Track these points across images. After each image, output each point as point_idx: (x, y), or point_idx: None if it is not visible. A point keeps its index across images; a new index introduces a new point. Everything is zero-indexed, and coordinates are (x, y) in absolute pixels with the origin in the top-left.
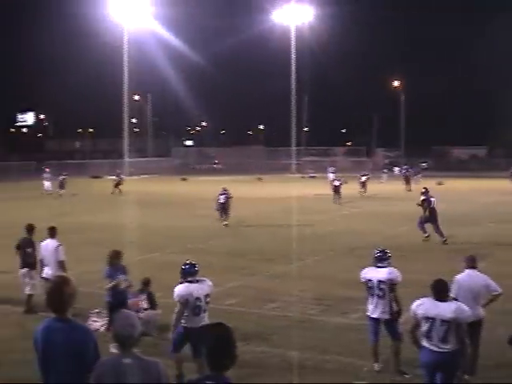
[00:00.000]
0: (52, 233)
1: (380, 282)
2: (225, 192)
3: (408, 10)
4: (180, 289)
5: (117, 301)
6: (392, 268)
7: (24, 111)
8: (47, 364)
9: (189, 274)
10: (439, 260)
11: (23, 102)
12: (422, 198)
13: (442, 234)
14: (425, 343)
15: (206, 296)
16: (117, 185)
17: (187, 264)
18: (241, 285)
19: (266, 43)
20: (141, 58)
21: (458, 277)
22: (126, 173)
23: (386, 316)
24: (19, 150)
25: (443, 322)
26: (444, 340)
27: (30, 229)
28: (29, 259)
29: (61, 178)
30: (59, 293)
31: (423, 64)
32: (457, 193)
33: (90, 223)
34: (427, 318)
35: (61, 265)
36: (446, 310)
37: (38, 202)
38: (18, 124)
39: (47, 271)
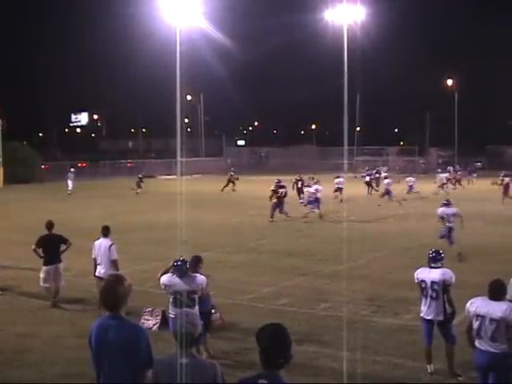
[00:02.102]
0: (105, 232)
1: (433, 282)
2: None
3: (463, 6)
4: (164, 277)
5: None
6: (446, 269)
7: (78, 111)
8: (100, 361)
9: (179, 270)
10: (494, 261)
11: (77, 102)
12: None
13: None
14: (477, 344)
15: (190, 292)
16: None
17: (179, 261)
18: (293, 285)
19: (317, 42)
20: (193, 58)
21: None
22: (178, 172)
23: (440, 318)
24: (73, 150)
25: (492, 320)
26: (493, 339)
27: (50, 226)
28: (55, 254)
29: (139, 176)
30: (113, 291)
31: (477, 62)
32: None
33: (143, 222)
34: (478, 316)
35: (114, 264)
36: (497, 308)
37: (90, 202)
38: (72, 124)
39: (100, 270)
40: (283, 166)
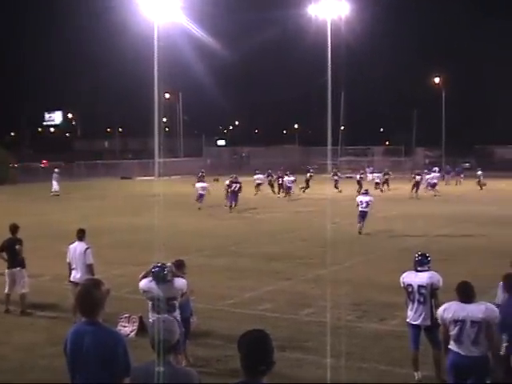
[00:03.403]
0: (80, 235)
1: (420, 286)
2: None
3: (451, 2)
4: (142, 282)
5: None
6: (433, 272)
7: (52, 110)
8: (75, 368)
9: (156, 276)
10: (483, 263)
11: (51, 100)
12: None
13: None
14: (454, 348)
15: (170, 299)
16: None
17: (157, 266)
18: (275, 289)
19: (301, 38)
20: (171, 55)
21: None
22: (156, 173)
23: (427, 323)
24: (47, 151)
25: (474, 323)
26: (475, 342)
27: (14, 229)
28: (18, 258)
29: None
30: (89, 296)
31: (466, 59)
32: (502, 194)
33: (120, 225)
34: (456, 321)
35: (89, 268)
36: (476, 310)
37: (67, 204)
38: (45, 123)
39: (75, 275)
40: (265, 167)
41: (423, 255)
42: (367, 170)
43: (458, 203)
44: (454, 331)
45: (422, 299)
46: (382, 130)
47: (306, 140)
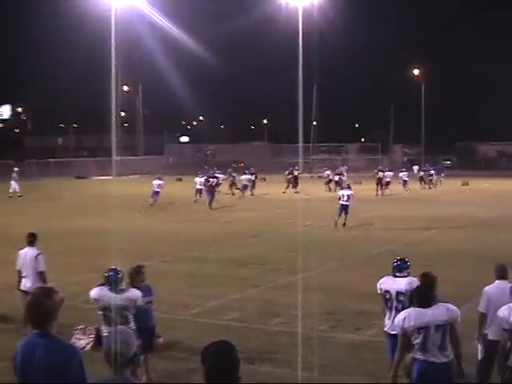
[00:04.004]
0: (31, 240)
1: (399, 293)
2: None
3: None
4: (94, 290)
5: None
6: (412, 278)
7: None
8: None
9: (110, 281)
10: (466, 269)
11: None
12: None
13: None
14: (420, 356)
15: (122, 308)
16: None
17: (110, 271)
18: (242, 297)
19: (270, 27)
20: (130, 45)
21: (487, 289)
22: (113, 173)
23: None
24: None
25: (438, 327)
26: (442, 347)
27: None
28: None
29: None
30: (41, 306)
31: (447, 49)
32: (484, 194)
33: (75, 228)
34: (420, 329)
35: (41, 276)
36: (438, 314)
37: (16, 206)
38: None
39: (25, 283)
40: (232, 165)
41: (402, 260)
42: (342, 168)
43: (440, 204)
44: (418, 339)
45: (400, 307)
46: (356, 125)
47: (275, 137)
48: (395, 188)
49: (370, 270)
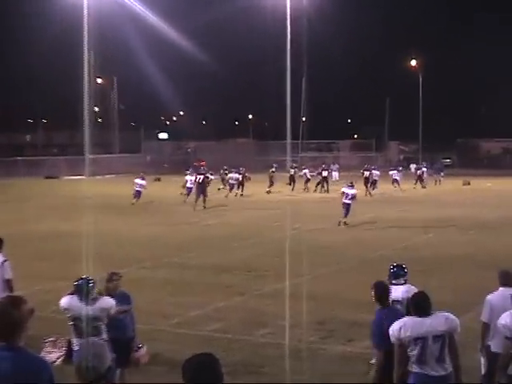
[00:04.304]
0: None
1: (395, 302)
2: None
3: None
4: (64, 299)
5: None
6: (410, 285)
7: None
8: None
9: (80, 290)
10: (467, 275)
11: None
12: None
13: None
14: (417, 369)
15: (94, 319)
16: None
17: (81, 279)
18: (226, 306)
19: (256, 15)
20: (105, 34)
21: (490, 297)
22: (86, 172)
23: None
24: None
25: (436, 337)
26: (440, 359)
27: None
28: None
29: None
30: (7, 316)
31: (447, 38)
32: (487, 194)
33: (45, 232)
34: (417, 339)
35: (8, 284)
36: (436, 323)
37: None
38: None
39: None
40: (214, 164)
41: (399, 266)
42: (332, 167)
43: (439, 205)
44: (415, 351)
45: None
46: (349, 121)
47: (261, 133)
48: (387, 188)
49: (364, 277)
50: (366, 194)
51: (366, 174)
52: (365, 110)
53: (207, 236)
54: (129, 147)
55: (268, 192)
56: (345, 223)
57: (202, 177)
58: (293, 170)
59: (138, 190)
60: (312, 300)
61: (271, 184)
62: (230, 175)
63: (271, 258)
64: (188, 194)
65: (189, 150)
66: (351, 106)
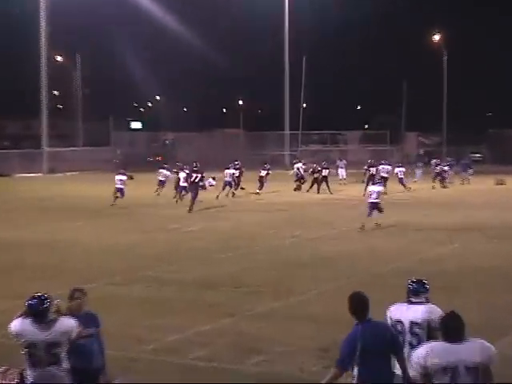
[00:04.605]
0: None
1: (414, 324)
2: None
3: None
4: (15, 323)
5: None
6: (431, 305)
7: None
8: None
9: (33, 311)
10: (499, 293)
11: None
12: None
13: None
14: None
15: (51, 345)
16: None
17: (34, 298)
18: (212, 329)
19: None
20: (66, 4)
21: None
22: (44, 168)
23: None
24: None
25: (469, 369)
26: None
27: None
28: None
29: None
30: None
31: (477, 9)
32: None
33: None
34: (446, 369)
35: None
36: (470, 351)
37: None
38: None
39: None
40: (198, 159)
41: (419, 282)
42: (339, 163)
43: (466, 208)
44: (444, 380)
45: (415, 341)
46: (358, 107)
47: (254, 122)
48: (394, 188)
49: (377, 295)
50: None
51: (372, 170)
52: (377, 94)
53: (190, 245)
54: (95, 139)
55: (256, 193)
56: (377, 224)
57: (198, 176)
58: (301, 166)
59: (119, 188)
60: (314, 322)
61: (261, 185)
62: (225, 171)
63: (266, 272)
64: (181, 194)
65: (167, 141)
66: (362, 90)
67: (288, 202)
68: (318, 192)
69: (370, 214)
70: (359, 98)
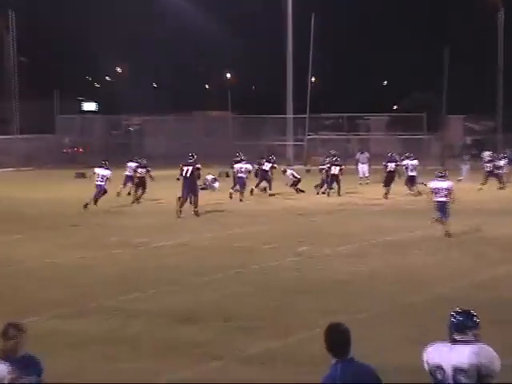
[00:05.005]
0: None
1: (458, 371)
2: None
3: None
4: None
5: None
6: (482, 345)
7: None
8: None
9: None
10: None
11: None
12: None
13: None
14: None
15: None
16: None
17: None
18: (193, 376)
19: None
20: None
21: None
22: None
23: None
24: None
25: None
26: None
27: None
28: None
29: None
30: None
31: None
32: None
33: None
34: None
35: None
36: None
37: None
38: None
39: None
40: (171, 152)
41: (466, 314)
42: (359, 156)
43: None
44: None
45: None
46: (385, 83)
47: (246, 102)
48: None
49: (408, 331)
50: (385, 197)
51: (390, 166)
52: (410, 65)
53: (162, 265)
54: (35, 124)
55: (267, 191)
56: (447, 234)
57: (190, 168)
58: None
59: (99, 185)
60: (319, 366)
61: (269, 182)
62: (236, 166)
63: (261, 300)
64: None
65: (131, 128)
66: (388, 59)
67: (291, 207)
68: (326, 193)
69: (443, 218)
70: (386, 70)
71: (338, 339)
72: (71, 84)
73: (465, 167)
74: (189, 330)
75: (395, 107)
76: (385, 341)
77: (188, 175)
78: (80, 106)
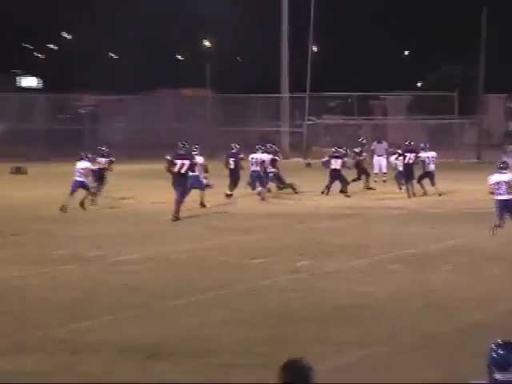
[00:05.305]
0: None
1: None
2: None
3: None
4: None
5: None
6: None
7: None
8: None
9: None
10: None
11: None
12: None
13: None
14: None
15: None
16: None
17: None
18: None
19: None
20: None
21: None
22: None
23: None
24: None
25: None
26: None
27: None
28: None
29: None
30: None
31: None
32: None
33: None
34: None
35: None
36: None
37: None
38: None
39: None
40: (133, 141)
41: (508, 346)
42: (375, 146)
43: None
44: None
45: None
46: (406, 53)
47: (229, 78)
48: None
49: (435, 372)
50: (409, 196)
51: (410, 157)
52: (438, 31)
53: (121, 284)
54: None
55: (228, 195)
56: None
57: (186, 163)
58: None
59: (79, 181)
60: None
61: (234, 183)
62: (253, 156)
63: (249, 330)
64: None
65: (82, 110)
66: (410, 23)
67: (287, 211)
68: (326, 193)
69: (501, 218)
70: (407, 38)
71: (298, 377)
72: (6, 54)
73: (509, 160)
74: (156, 368)
75: (419, 84)
76: (410, 379)
77: (183, 171)
78: (16, 82)
